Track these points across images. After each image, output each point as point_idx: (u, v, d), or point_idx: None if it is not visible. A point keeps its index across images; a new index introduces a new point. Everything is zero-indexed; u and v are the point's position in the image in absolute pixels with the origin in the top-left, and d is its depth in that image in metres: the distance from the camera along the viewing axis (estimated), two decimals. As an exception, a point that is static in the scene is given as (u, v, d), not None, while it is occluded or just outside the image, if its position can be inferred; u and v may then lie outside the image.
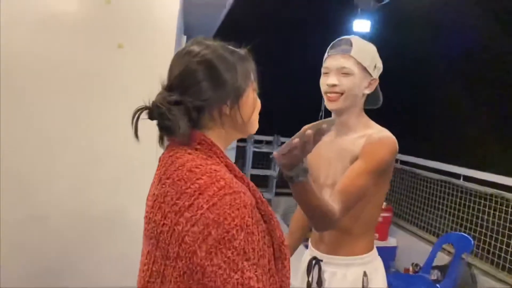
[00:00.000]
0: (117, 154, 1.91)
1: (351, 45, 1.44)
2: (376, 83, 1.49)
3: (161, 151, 0.97)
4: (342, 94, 1.44)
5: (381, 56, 1.51)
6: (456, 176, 3.88)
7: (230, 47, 0.95)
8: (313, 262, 1.56)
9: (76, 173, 1.90)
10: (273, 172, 5.54)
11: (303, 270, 1.60)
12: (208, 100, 0.88)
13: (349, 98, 1.44)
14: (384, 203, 4.49)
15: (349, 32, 5.93)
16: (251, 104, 0.96)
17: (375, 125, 1.49)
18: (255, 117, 0.99)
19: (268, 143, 5.71)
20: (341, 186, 1.35)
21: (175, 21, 1.90)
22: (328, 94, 1.46)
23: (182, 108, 0.86)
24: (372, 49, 1.49)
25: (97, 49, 1.86)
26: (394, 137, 1.43)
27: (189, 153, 0.88)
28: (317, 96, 1.58)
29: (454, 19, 4.31)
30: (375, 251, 1.54)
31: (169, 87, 0.90)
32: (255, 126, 0.99)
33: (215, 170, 0.84)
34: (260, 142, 5.74)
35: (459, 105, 4.26)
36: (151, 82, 1.89)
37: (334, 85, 1.43)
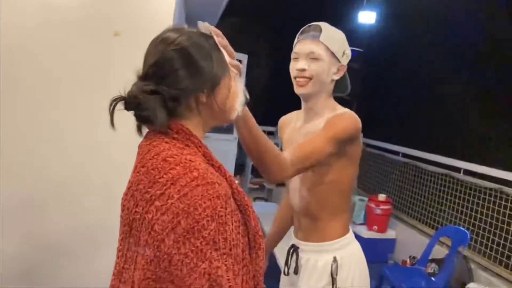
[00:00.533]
0: (115, 144, 1.91)
1: (320, 31, 1.47)
2: (344, 70, 1.52)
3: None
4: (311, 79, 1.46)
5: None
6: (457, 169, 3.87)
7: (206, 33, 0.94)
8: (292, 249, 1.60)
9: (74, 163, 1.91)
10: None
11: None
12: (184, 89, 0.88)
13: (318, 83, 1.47)
14: (384, 195, 4.51)
15: (355, 23, 5.87)
16: (228, 91, 0.95)
17: (341, 109, 1.52)
18: (233, 105, 0.98)
19: (271, 133, 5.72)
20: (298, 144, 1.36)
21: (173, 8, 1.89)
22: (297, 79, 1.49)
23: (158, 97, 0.86)
24: (341, 35, 1.51)
25: (93, 38, 1.86)
26: (356, 115, 1.45)
27: (166, 142, 0.88)
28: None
29: (461, 10, 4.26)
30: (348, 237, 1.54)
31: (145, 76, 0.89)
32: (233, 113, 0.99)
33: (190, 160, 0.84)
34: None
35: (462, 98, 4.23)
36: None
37: (303, 70, 1.46)
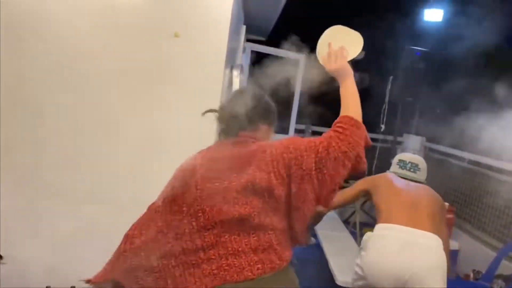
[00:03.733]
0: (175, 140, 1.94)
1: None
2: None
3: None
4: None
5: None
6: (530, 180, 3.57)
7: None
8: None
9: (135, 160, 1.95)
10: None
11: None
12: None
13: None
14: (447, 204, 4.24)
15: (420, 21, 5.60)
16: None
17: None
18: None
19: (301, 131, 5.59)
20: None
21: (230, 9, 1.89)
22: None
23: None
24: None
25: (153, 38, 1.90)
26: None
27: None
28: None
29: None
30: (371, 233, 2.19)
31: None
32: None
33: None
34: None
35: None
36: (204, 70, 1.92)
37: None
